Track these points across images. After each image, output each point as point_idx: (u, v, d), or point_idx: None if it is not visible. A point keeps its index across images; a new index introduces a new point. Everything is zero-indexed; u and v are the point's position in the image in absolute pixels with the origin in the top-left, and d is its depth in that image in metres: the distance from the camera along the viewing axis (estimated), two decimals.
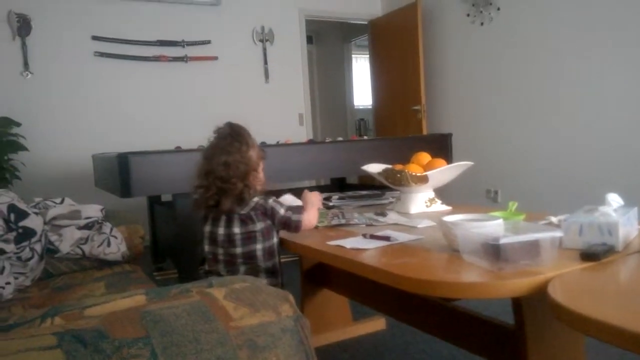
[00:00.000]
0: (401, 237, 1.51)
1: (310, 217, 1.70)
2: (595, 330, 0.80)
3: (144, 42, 4.80)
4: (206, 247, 1.74)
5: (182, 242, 3.00)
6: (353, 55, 7.94)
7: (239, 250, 1.64)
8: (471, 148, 4.83)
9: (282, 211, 1.66)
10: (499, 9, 4.60)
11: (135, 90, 4.81)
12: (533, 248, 1.14)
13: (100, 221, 2.16)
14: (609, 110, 3.82)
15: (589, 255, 1.15)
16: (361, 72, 7.82)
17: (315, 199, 1.80)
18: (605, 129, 3.85)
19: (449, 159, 4.01)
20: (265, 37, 5.42)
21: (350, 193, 2.39)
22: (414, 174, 1.97)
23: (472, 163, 2.04)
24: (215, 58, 5.13)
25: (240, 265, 1.65)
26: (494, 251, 1.12)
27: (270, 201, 1.68)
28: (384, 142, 4.01)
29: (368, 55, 6.31)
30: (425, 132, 5.21)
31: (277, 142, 3.78)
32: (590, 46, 3.89)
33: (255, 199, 1.66)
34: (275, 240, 1.68)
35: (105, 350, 0.78)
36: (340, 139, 4.14)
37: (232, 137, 1.68)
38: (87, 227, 2.10)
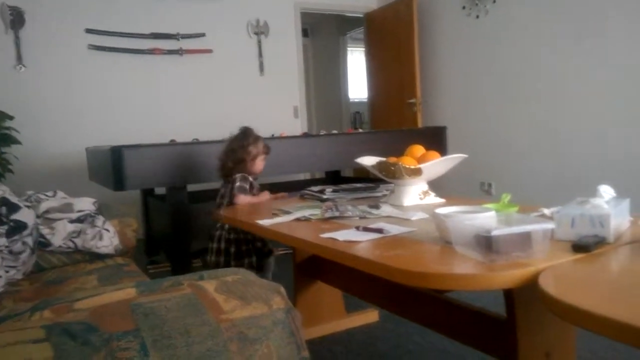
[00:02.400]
0: (394, 229, 1.51)
1: (246, 199, 2.36)
2: (585, 321, 0.80)
3: (138, 35, 4.77)
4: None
5: (176, 235, 2.99)
6: (349, 48, 7.92)
7: (225, 200, 2.46)
8: (466, 141, 4.83)
9: (237, 184, 2.39)
10: (494, 1, 4.59)
11: (130, 84, 4.78)
12: (525, 240, 1.14)
13: (92, 214, 2.15)
14: (604, 103, 3.82)
15: (580, 247, 1.15)
16: (357, 65, 7.80)
17: (264, 198, 2.46)
18: (600, 122, 3.85)
19: (443, 152, 4.01)
20: (260, 30, 5.40)
21: (344, 186, 2.39)
22: (407, 166, 1.97)
23: (465, 155, 2.04)
24: (210, 51, 5.10)
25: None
26: (486, 243, 1.12)
27: (239, 176, 2.41)
28: (378, 135, 4.01)
29: (363, 49, 6.30)
30: (420, 125, 5.21)
31: (272, 135, 3.76)
32: (586, 39, 3.88)
33: (237, 175, 2.41)
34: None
35: (94, 343, 0.77)
36: (335, 131, 4.14)
37: (241, 134, 2.50)
38: (80, 220, 2.09)
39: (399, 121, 5.45)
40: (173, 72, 4.97)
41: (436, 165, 2.00)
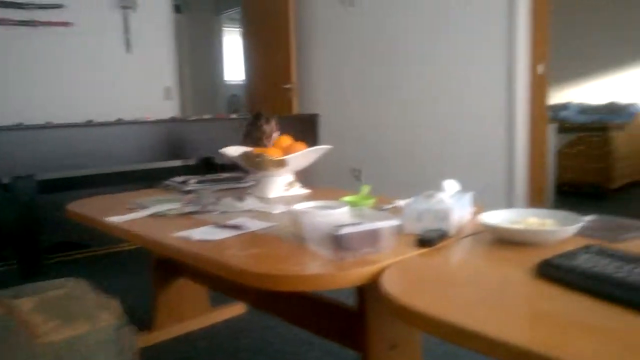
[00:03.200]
0: (253, 225, 1.47)
1: None
2: (417, 322, 0.83)
3: None
4: None
5: (22, 229, 2.70)
6: (226, 28, 7.70)
7: None
8: (338, 128, 4.95)
9: None
10: None
11: None
12: (373, 236, 1.17)
13: None
14: (470, 95, 4.09)
15: (423, 242, 1.21)
16: (234, 46, 7.62)
17: None
18: (465, 113, 4.14)
19: (316, 139, 4.07)
20: (127, 4, 5.02)
21: (210, 176, 2.31)
22: (272, 158, 1.94)
23: (330, 147, 2.06)
24: (70, 24, 4.64)
25: None
26: (335, 241, 1.12)
27: None
28: None
29: (240, 29, 6.15)
30: (295, 111, 5.23)
31: (135, 119, 3.53)
32: (457, 31, 4.12)
33: None
34: None
35: None
36: (206, 116, 3.99)
37: (253, 117, 2.62)
38: None
39: (275, 106, 5.41)
40: (25, 47, 4.45)
41: (302, 156, 2.00)
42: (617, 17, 6.23)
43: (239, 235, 1.38)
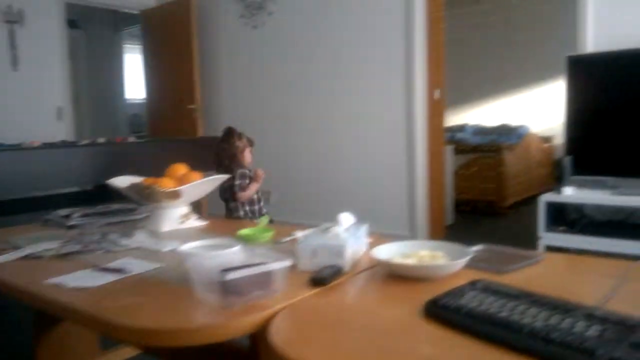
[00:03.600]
0: (138, 267, 1.36)
1: (246, 195, 2.87)
2: None
3: None
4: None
5: None
6: (128, 45, 7.39)
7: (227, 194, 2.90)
8: None
9: (236, 182, 2.84)
10: (270, 13, 4.71)
11: None
12: (264, 279, 1.11)
13: None
14: (372, 120, 4.18)
15: (316, 281, 1.17)
16: (135, 64, 7.32)
17: (261, 175, 2.92)
18: (368, 138, 4.22)
19: None
20: (13, 18, 4.65)
21: (99, 207, 2.14)
22: (164, 189, 1.83)
23: (229, 175, 1.98)
24: None
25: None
26: (222, 287, 1.05)
27: (238, 173, 2.85)
28: (151, 145, 3.76)
29: (141, 47, 5.91)
30: (200, 132, 5.09)
31: (20, 144, 3.23)
32: (359, 60, 4.20)
33: (237, 173, 2.84)
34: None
35: None
36: (101, 140, 3.75)
37: (225, 134, 2.93)
38: None
39: (179, 127, 5.24)
40: None
41: (196, 187, 1.91)
42: (507, 46, 6.73)
43: (119, 280, 1.27)
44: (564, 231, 2.93)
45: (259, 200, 2.98)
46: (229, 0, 4.98)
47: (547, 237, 2.94)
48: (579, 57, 3.02)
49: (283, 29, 4.65)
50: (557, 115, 4.34)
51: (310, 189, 4.54)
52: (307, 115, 4.58)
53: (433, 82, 3.95)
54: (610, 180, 2.97)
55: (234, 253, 1.23)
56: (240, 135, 2.92)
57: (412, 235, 4.00)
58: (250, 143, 3.01)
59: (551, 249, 2.96)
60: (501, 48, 6.73)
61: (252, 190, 2.91)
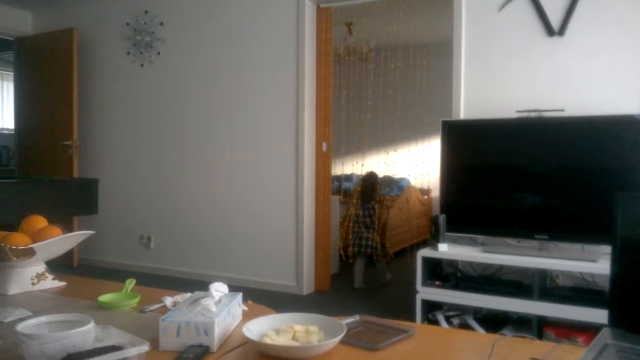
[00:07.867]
0: None
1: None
2: None
3: None
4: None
5: None
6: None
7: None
8: (129, 192, 4.59)
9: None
10: (159, 53, 4.57)
11: None
12: None
13: None
14: (263, 170, 4.13)
15: None
16: (8, 92, 6.71)
17: None
18: (258, 187, 4.16)
19: (92, 208, 3.66)
20: None
21: None
22: (15, 247, 1.62)
23: (92, 232, 1.81)
24: None
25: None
26: None
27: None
28: (13, 186, 3.38)
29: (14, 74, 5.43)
30: (76, 171, 4.71)
31: None
32: (252, 111, 4.17)
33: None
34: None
35: None
36: None
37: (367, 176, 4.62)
38: None
39: (53, 164, 4.82)
40: None
41: (53, 244, 1.71)
42: (400, 104, 7.10)
43: None
44: (440, 286, 3.05)
45: None
46: (117, 35, 4.76)
47: (424, 292, 3.04)
48: (451, 122, 3.25)
49: (171, 70, 4.52)
50: (434, 170, 4.63)
51: (196, 235, 4.36)
52: (196, 160, 4.44)
53: (320, 136, 4.03)
54: (480, 237, 3.17)
55: (85, 333, 1.08)
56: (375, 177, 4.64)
57: (298, 285, 3.96)
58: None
59: (428, 303, 3.06)
60: (394, 104, 7.06)
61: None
